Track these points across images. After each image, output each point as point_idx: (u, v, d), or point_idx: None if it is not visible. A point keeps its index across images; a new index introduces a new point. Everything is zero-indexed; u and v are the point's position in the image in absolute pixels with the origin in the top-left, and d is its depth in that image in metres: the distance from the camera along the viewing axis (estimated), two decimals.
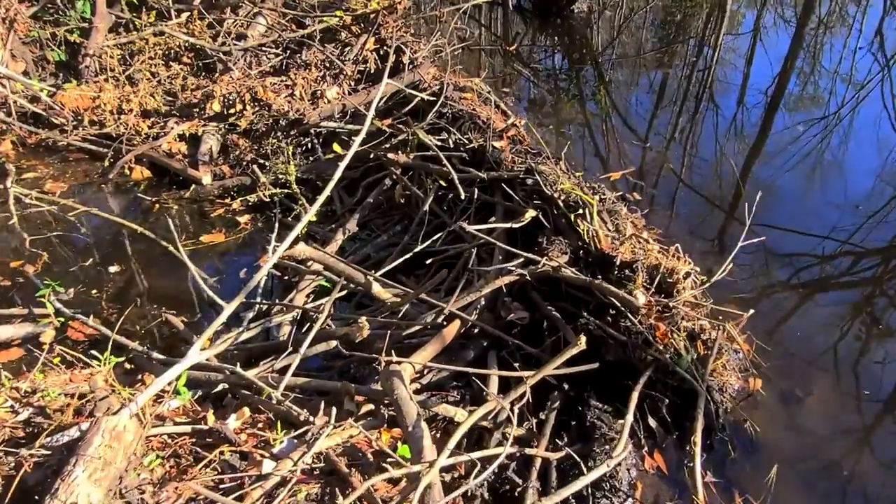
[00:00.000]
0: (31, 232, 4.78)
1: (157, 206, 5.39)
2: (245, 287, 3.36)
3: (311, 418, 2.95)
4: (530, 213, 4.02)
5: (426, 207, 4.65)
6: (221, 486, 2.67)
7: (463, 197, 4.39)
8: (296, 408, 3.00)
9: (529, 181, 4.33)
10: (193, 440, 2.93)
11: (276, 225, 4.96)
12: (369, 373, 3.57)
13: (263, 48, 6.43)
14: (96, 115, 6.01)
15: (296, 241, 3.63)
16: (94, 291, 4.42)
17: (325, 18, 6.37)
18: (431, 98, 5.52)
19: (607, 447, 2.96)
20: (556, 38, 9.94)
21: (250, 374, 3.23)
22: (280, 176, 5.33)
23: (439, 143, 4.95)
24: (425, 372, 3.41)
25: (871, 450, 3.31)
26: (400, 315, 3.79)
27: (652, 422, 3.23)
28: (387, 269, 4.25)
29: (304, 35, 6.28)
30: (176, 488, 2.59)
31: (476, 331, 3.62)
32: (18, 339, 3.92)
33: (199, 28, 6.70)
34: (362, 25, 6.33)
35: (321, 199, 3.87)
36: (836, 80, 8.13)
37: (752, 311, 3.49)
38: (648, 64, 8.81)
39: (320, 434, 2.80)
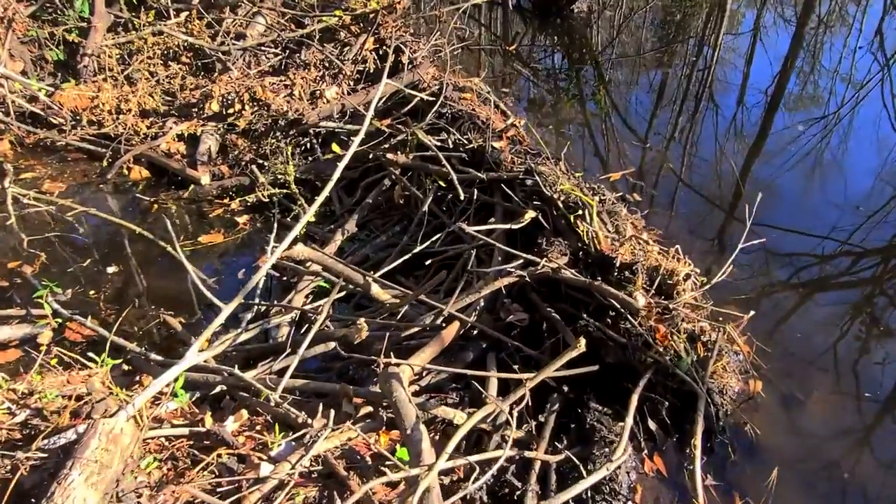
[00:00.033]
0: (29, 232, 4.76)
1: (156, 206, 5.38)
2: (243, 288, 3.35)
3: (310, 421, 2.94)
4: (530, 214, 4.00)
5: (425, 208, 4.64)
6: (219, 490, 2.66)
7: (462, 198, 4.38)
8: (294, 410, 2.99)
9: (529, 182, 4.32)
10: (191, 443, 2.92)
11: (275, 225, 4.94)
12: (368, 374, 3.55)
13: (262, 48, 6.41)
14: (95, 114, 5.99)
15: (294, 242, 3.62)
16: (91, 292, 4.40)
17: (324, 18, 6.35)
18: (431, 98, 5.51)
19: (607, 450, 2.95)
20: (555, 37, 9.92)
21: (248, 375, 3.22)
22: (279, 176, 5.31)
23: (438, 144, 4.94)
24: (424, 374, 3.40)
25: (872, 452, 3.30)
26: (399, 316, 3.77)
27: (652, 424, 3.21)
28: (386, 269, 4.23)
29: (304, 35, 6.26)
30: (173, 492, 2.58)
31: (475, 332, 3.61)
32: (16, 340, 3.90)
33: (198, 28, 6.68)
34: (361, 25, 6.31)
35: (320, 199, 3.85)
36: (836, 80, 8.12)
37: (752, 313, 3.48)
38: (648, 63, 8.80)
39: (318, 437, 2.79)
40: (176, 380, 3.09)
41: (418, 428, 2.66)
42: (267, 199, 5.26)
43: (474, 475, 2.57)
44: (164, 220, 4.49)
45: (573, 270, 3.58)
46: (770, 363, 3.65)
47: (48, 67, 6.58)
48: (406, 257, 4.36)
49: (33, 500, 2.49)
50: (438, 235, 4.49)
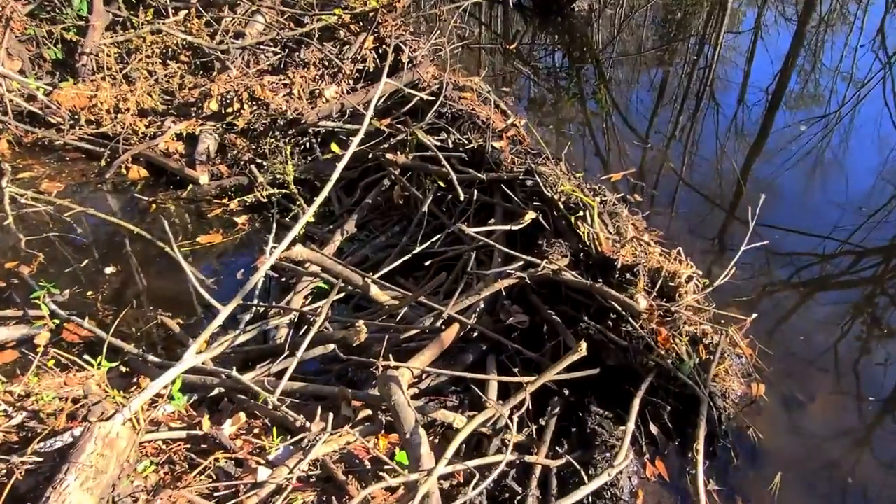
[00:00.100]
0: (26, 232, 4.74)
1: (154, 206, 5.35)
2: (242, 289, 3.33)
3: (308, 424, 2.92)
4: (530, 215, 3.98)
5: (425, 208, 4.62)
6: (216, 494, 2.64)
7: (462, 198, 4.35)
8: (292, 413, 2.97)
9: (529, 182, 4.30)
10: (188, 446, 2.90)
11: (274, 225, 4.90)
12: (367, 376, 3.53)
13: (261, 47, 6.38)
14: (93, 114, 5.96)
15: (293, 243, 3.60)
16: (89, 293, 4.38)
17: (323, 17, 6.32)
18: (430, 97, 5.48)
19: (608, 454, 2.93)
20: (556, 36, 9.89)
21: (246, 378, 3.20)
22: (278, 176, 5.29)
23: (438, 144, 4.91)
24: (423, 376, 3.38)
25: (875, 455, 3.28)
26: (398, 318, 3.75)
27: (654, 428, 3.19)
28: (385, 271, 4.21)
29: (303, 33, 6.24)
30: (170, 496, 2.55)
31: (475, 334, 3.58)
32: (13, 342, 3.89)
33: (197, 26, 6.65)
34: (361, 24, 6.29)
35: (319, 199, 3.82)
36: (837, 79, 8.09)
37: (755, 315, 3.45)
38: (649, 62, 8.77)
39: (317, 441, 2.77)
40: (173, 382, 3.07)
41: (417, 432, 2.64)
42: (266, 199, 5.23)
43: (474, 480, 2.54)
44: (162, 220, 4.47)
45: (574, 272, 3.56)
46: (772, 365, 3.63)
47: (46, 66, 6.56)
48: (405, 258, 4.34)
49: None
50: (438, 236, 4.46)
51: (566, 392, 3.35)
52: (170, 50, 6.59)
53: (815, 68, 8.51)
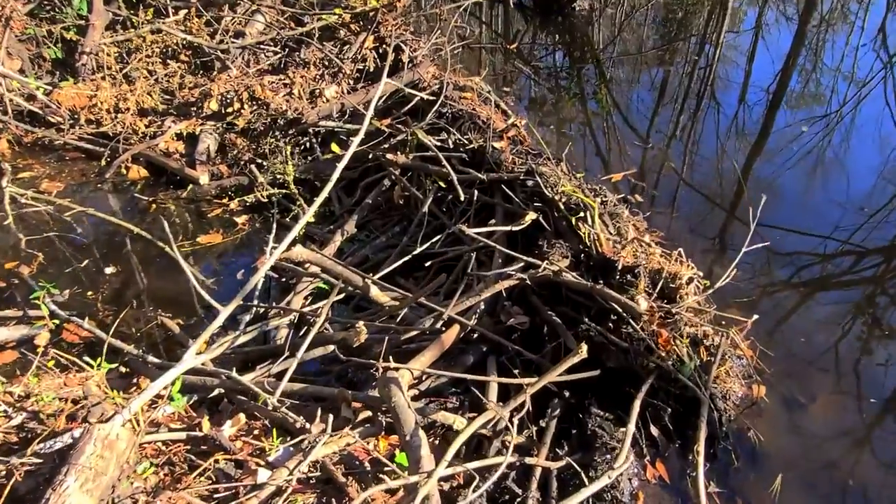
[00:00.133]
0: (26, 232, 4.74)
1: (154, 205, 5.35)
2: (242, 290, 3.33)
3: (308, 426, 2.92)
4: (530, 216, 3.97)
5: (425, 209, 4.61)
6: (216, 496, 2.63)
7: (462, 198, 4.34)
8: (292, 414, 2.97)
9: (530, 183, 4.29)
10: (188, 447, 2.90)
11: (274, 225, 4.90)
12: (367, 377, 3.53)
13: (261, 46, 6.38)
14: (93, 113, 5.95)
15: (293, 243, 3.59)
16: (89, 293, 4.38)
17: (323, 16, 6.31)
18: (431, 97, 5.47)
19: (608, 456, 2.92)
20: (557, 35, 9.88)
21: (246, 379, 3.19)
22: (278, 176, 5.28)
23: (439, 144, 4.90)
24: (424, 378, 3.38)
25: (877, 457, 3.27)
26: (398, 319, 3.74)
27: (654, 430, 3.18)
28: (385, 271, 4.20)
29: (303, 33, 6.23)
30: (169, 498, 2.55)
31: (475, 335, 3.58)
32: (13, 342, 3.89)
33: (197, 26, 6.64)
34: (361, 23, 6.28)
35: (319, 199, 3.82)
36: (838, 78, 8.07)
37: (755, 317, 3.45)
38: (650, 62, 8.76)
39: (317, 442, 2.76)
40: (173, 383, 3.07)
41: (417, 434, 2.63)
42: (266, 199, 5.23)
43: (475, 483, 2.54)
44: (162, 220, 4.46)
45: (574, 273, 3.55)
46: (773, 366, 3.62)
47: (46, 66, 6.55)
48: (406, 259, 4.33)
49: None
50: (438, 237, 4.45)
51: (566, 394, 3.35)
52: (170, 49, 6.58)
53: (816, 68, 8.49)
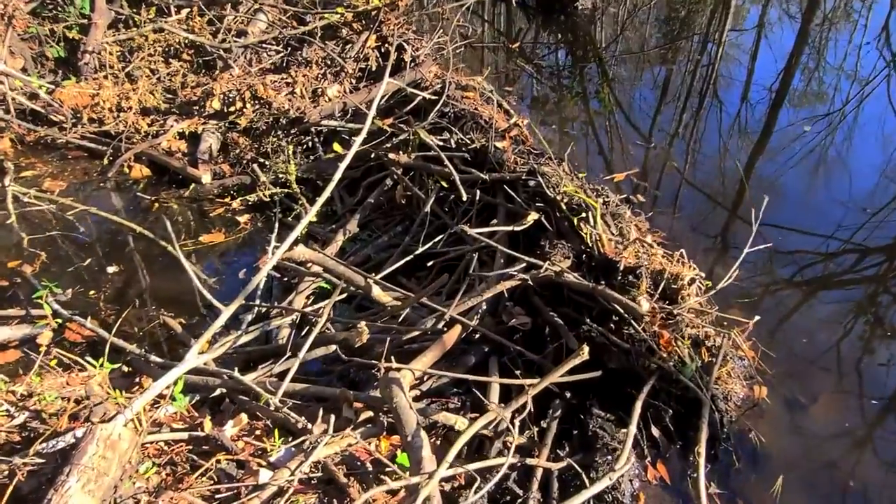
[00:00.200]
0: (29, 231, 4.76)
1: (157, 204, 5.35)
2: (244, 290, 3.33)
3: (309, 426, 2.92)
4: (532, 216, 3.97)
5: (427, 208, 4.61)
6: (217, 496, 2.64)
7: (465, 198, 4.34)
8: (294, 415, 2.97)
9: (532, 183, 4.29)
10: (190, 447, 2.90)
11: (276, 225, 4.92)
12: (369, 377, 3.53)
13: (264, 45, 6.37)
14: (95, 112, 5.96)
15: (295, 243, 3.60)
16: (92, 292, 4.38)
17: (326, 15, 6.31)
18: (433, 97, 5.47)
19: (610, 457, 2.92)
20: (559, 34, 9.86)
21: (248, 378, 3.20)
22: (280, 175, 5.29)
23: (441, 143, 4.90)
24: (425, 378, 3.38)
25: (879, 458, 3.27)
26: (400, 319, 3.74)
27: (655, 431, 3.18)
28: (387, 271, 4.21)
29: (305, 32, 6.22)
30: (171, 498, 2.56)
31: (477, 336, 3.58)
32: (15, 341, 3.89)
33: (199, 25, 6.64)
34: (364, 22, 6.26)
35: (321, 199, 3.83)
36: (841, 77, 8.05)
37: (757, 318, 3.45)
38: (652, 60, 8.74)
39: (318, 442, 2.76)
40: (175, 383, 3.07)
41: (419, 435, 2.64)
42: (268, 199, 5.23)
43: (476, 484, 2.54)
44: (165, 219, 4.47)
45: (576, 274, 3.55)
46: (774, 367, 3.62)
47: (49, 64, 6.55)
48: (408, 259, 4.33)
49: None
50: (440, 236, 4.45)
51: (568, 394, 3.35)
52: (172, 48, 6.58)
53: (819, 66, 8.47)
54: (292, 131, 5.63)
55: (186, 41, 6.52)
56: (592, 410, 3.19)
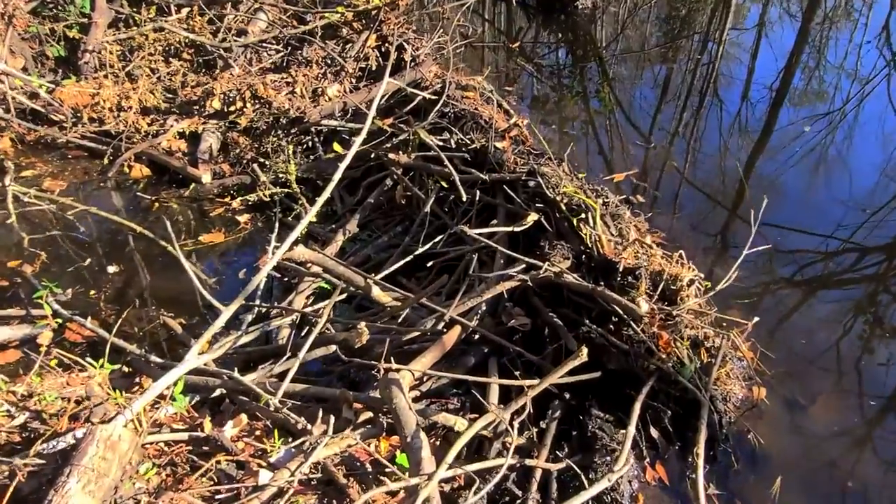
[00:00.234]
0: (29, 231, 4.76)
1: (157, 204, 5.35)
2: (244, 290, 3.34)
3: (309, 427, 2.93)
4: (532, 217, 3.97)
5: (427, 209, 4.61)
6: (217, 497, 2.65)
7: (464, 198, 4.35)
8: (294, 416, 2.98)
9: (532, 183, 4.29)
10: (190, 448, 2.91)
11: (276, 225, 4.92)
12: (369, 378, 3.53)
13: (264, 45, 6.37)
14: (95, 111, 5.96)
15: (295, 243, 3.60)
16: (92, 292, 4.38)
17: (326, 15, 6.30)
18: (433, 97, 5.47)
19: (608, 458, 2.93)
20: (559, 33, 9.86)
21: (248, 379, 3.21)
22: (280, 175, 5.29)
23: (441, 143, 4.91)
24: (425, 379, 3.38)
25: (878, 459, 3.27)
26: (400, 319, 3.75)
27: (654, 432, 3.19)
28: (387, 271, 4.21)
29: (306, 31, 6.22)
30: (171, 499, 2.56)
31: (477, 337, 3.58)
32: (16, 341, 3.89)
33: (200, 24, 6.64)
34: (364, 22, 6.26)
35: (321, 199, 3.83)
36: (842, 76, 8.05)
37: (756, 319, 3.45)
38: (652, 59, 8.75)
39: (318, 443, 2.77)
40: (175, 383, 3.08)
41: (418, 436, 2.64)
42: (268, 198, 5.24)
43: (475, 485, 2.55)
44: (165, 219, 4.47)
45: (576, 275, 3.55)
46: (773, 368, 3.62)
47: (49, 64, 6.55)
48: (408, 259, 4.33)
49: None
50: (440, 237, 4.46)
51: (567, 395, 3.35)
52: (172, 48, 6.58)
53: (820, 65, 8.47)
54: (292, 131, 5.63)
55: (187, 40, 6.52)
56: (591, 411, 3.19)
